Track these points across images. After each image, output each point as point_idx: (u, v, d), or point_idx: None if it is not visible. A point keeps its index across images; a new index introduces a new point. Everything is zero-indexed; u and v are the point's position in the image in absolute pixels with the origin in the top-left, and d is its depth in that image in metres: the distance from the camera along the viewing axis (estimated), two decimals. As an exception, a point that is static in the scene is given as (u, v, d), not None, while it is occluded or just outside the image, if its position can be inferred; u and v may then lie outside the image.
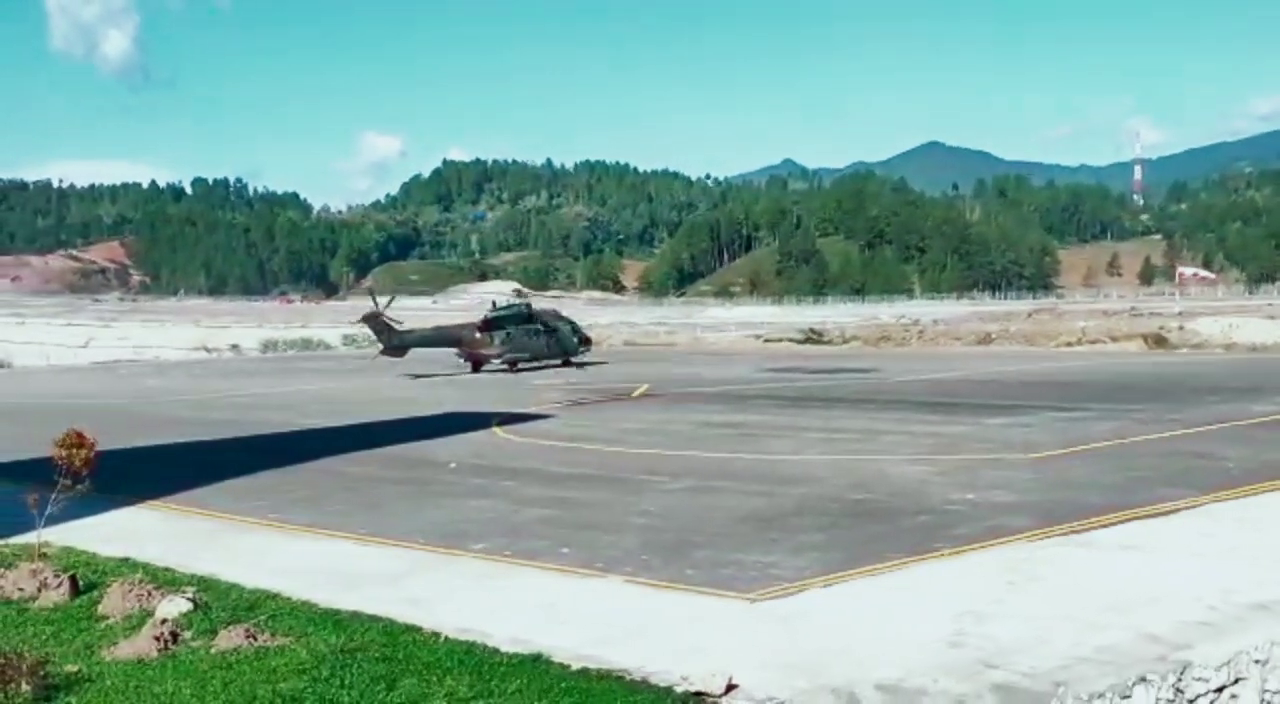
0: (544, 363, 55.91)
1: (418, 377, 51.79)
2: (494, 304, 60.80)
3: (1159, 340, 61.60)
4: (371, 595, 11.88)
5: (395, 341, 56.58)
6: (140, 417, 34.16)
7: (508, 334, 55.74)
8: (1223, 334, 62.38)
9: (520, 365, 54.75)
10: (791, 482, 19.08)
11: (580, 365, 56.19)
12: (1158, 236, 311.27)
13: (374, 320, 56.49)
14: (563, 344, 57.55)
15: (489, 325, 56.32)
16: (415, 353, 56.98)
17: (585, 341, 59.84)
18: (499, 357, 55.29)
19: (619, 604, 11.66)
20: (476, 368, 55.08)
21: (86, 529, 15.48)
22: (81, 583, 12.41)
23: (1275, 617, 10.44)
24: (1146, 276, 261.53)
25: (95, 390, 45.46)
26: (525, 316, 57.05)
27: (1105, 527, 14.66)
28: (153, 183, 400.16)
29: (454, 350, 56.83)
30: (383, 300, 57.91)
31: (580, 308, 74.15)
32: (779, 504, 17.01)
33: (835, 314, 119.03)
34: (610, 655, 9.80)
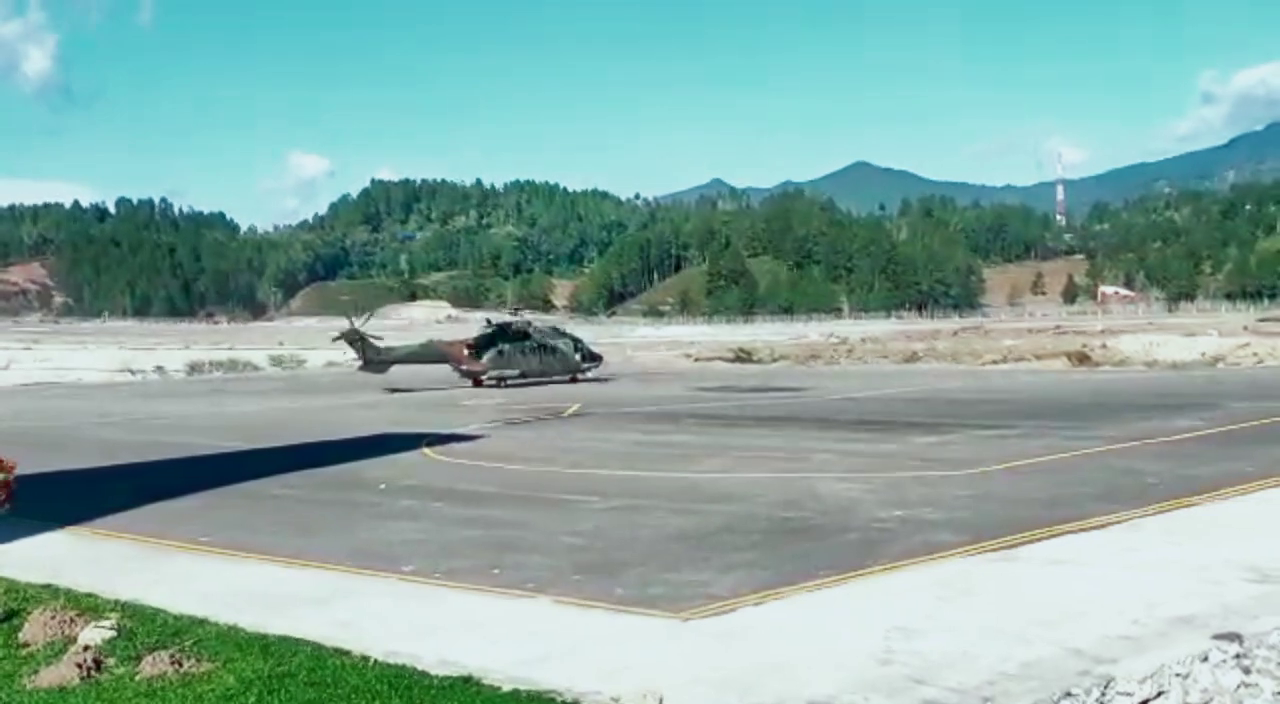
0: (542, 380, 55.58)
1: (395, 391, 51.83)
2: (488, 322, 60.93)
3: (1082, 358, 62.51)
4: (300, 619, 11.73)
5: (377, 357, 56.40)
6: (62, 439, 33.55)
7: (499, 351, 55.58)
8: (1144, 352, 63.49)
9: (509, 382, 54.47)
10: (722, 500, 19.11)
11: (597, 380, 56.48)
12: (1080, 256, 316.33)
13: (352, 337, 56.30)
14: (563, 361, 57.43)
15: (479, 342, 56.24)
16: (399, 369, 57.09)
17: (592, 358, 59.61)
18: (483, 373, 55.15)
19: (549, 625, 11.60)
20: (478, 383, 54.81)
21: (6, 554, 15.18)
22: (2, 610, 12.14)
23: (1197, 630, 10.58)
24: (1070, 295, 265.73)
25: (15, 412, 44.61)
26: (519, 334, 56.90)
27: (1033, 542, 14.81)
28: (75, 203, 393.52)
29: (451, 367, 56.58)
30: (359, 318, 57.96)
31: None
32: (710, 523, 17.02)
33: (764, 333, 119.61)
34: (541, 676, 9.75)
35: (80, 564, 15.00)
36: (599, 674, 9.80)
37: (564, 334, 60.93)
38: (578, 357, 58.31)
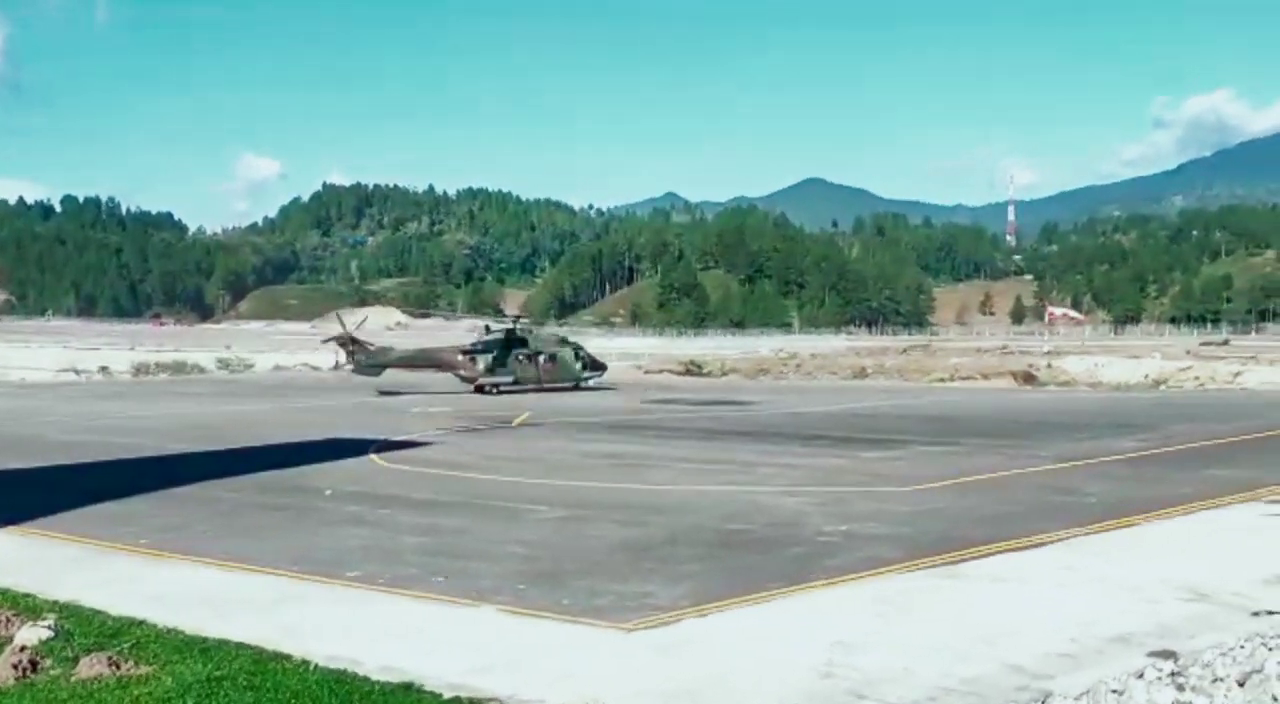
0: (540, 388, 55.50)
1: (385, 394, 52.02)
2: (487, 328, 60.90)
3: (1028, 378, 63.15)
4: (241, 623, 11.67)
5: (370, 362, 56.38)
6: (3, 439, 33.16)
7: (494, 358, 55.54)
8: (1089, 373, 64.23)
9: (503, 390, 54.39)
10: (668, 512, 19.17)
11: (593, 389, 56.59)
12: (1029, 277, 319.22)
13: (345, 340, 56.58)
14: (564, 369, 57.35)
15: (475, 349, 56.15)
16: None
17: (594, 367, 59.41)
18: (475, 379, 55.15)
19: (493, 633, 11.61)
20: (479, 390, 54.68)
21: (-57, 554, 15.01)
22: (-63, 610, 12.00)
23: (1133, 648, 10.75)
24: (1018, 315, 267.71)
25: (-45, 411, 43.96)
26: (516, 341, 56.79)
27: (975, 558, 14.98)
28: (20, 200, 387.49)
29: (451, 373, 56.54)
30: (352, 321, 57.98)
31: (460, 336, 74.02)
32: (656, 534, 17.08)
33: (715, 347, 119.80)
34: (483, 684, 9.76)
35: (20, 565, 14.85)
36: (541, 683, 9.84)
37: (566, 342, 60.84)
38: (578, 365, 58.16)
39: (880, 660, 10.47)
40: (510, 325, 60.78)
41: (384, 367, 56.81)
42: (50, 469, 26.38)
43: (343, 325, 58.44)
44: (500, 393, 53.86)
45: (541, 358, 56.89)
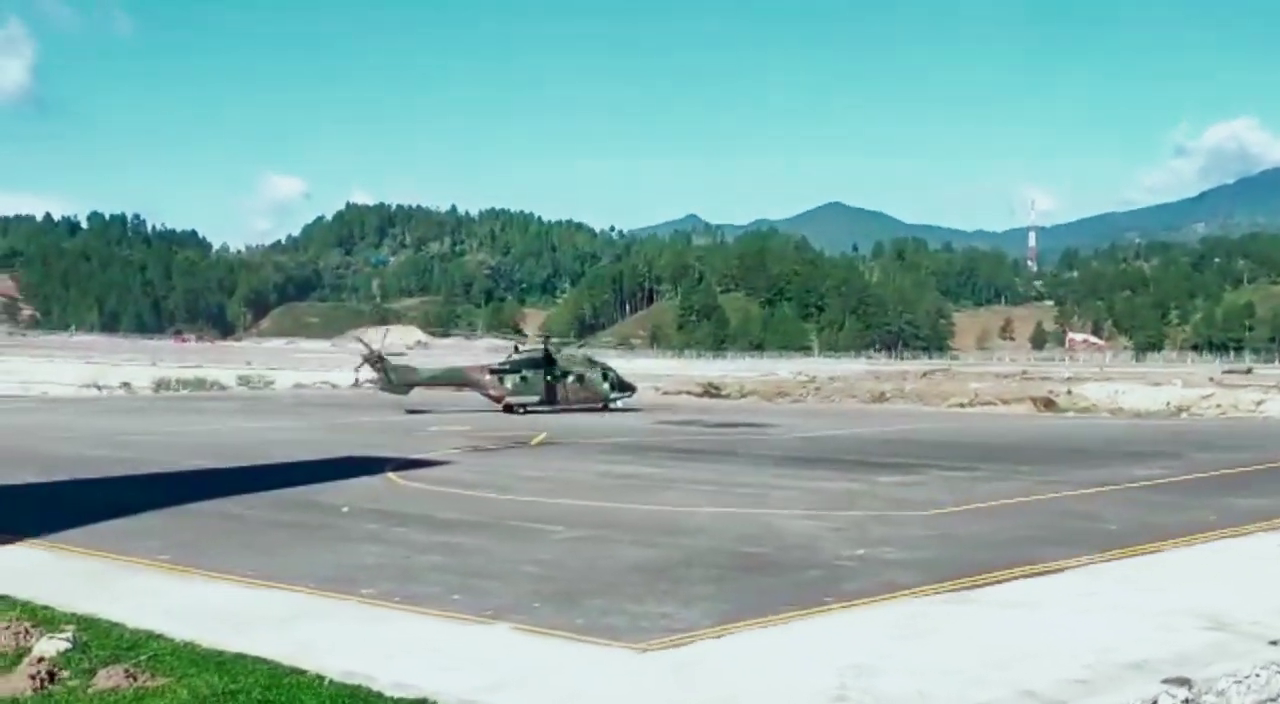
0: (568, 408, 55.51)
1: (413, 412, 52.49)
2: (516, 348, 61.24)
3: (1048, 404, 62.83)
4: (257, 638, 11.69)
5: (399, 380, 56.78)
6: (24, 453, 33.30)
7: (522, 378, 55.69)
8: (1109, 399, 63.89)
9: (530, 409, 54.52)
10: (685, 533, 19.15)
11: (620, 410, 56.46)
12: (1050, 303, 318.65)
13: (374, 359, 57.27)
14: (591, 390, 57.30)
15: (503, 368, 56.37)
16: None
17: (623, 387, 59.32)
18: (500, 399, 55.35)
19: (507, 651, 11.61)
20: (508, 410, 54.79)
21: (-36, 567, 15.08)
22: (-44, 622, 12.08)
23: (1148, 675, 10.68)
24: (1038, 341, 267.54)
25: (-23, 425, 44.22)
26: (544, 361, 56.97)
27: (991, 584, 14.90)
28: (47, 216, 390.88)
29: (480, 393, 56.87)
30: (377, 339, 58.60)
31: (478, 355, 74.55)
32: (671, 555, 17.06)
33: (734, 369, 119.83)
34: (494, 701, 9.79)
35: (39, 578, 14.92)
36: (552, 700, 9.86)
37: (595, 363, 60.78)
38: (607, 386, 58.05)
39: (894, 684, 10.43)
40: (542, 345, 60.99)
41: (413, 385, 57.30)
42: (70, 484, 26.52)
43: (367, 346, 59.05)
44: (527, 412, 53.92)
45: (570, 378, 56.88)
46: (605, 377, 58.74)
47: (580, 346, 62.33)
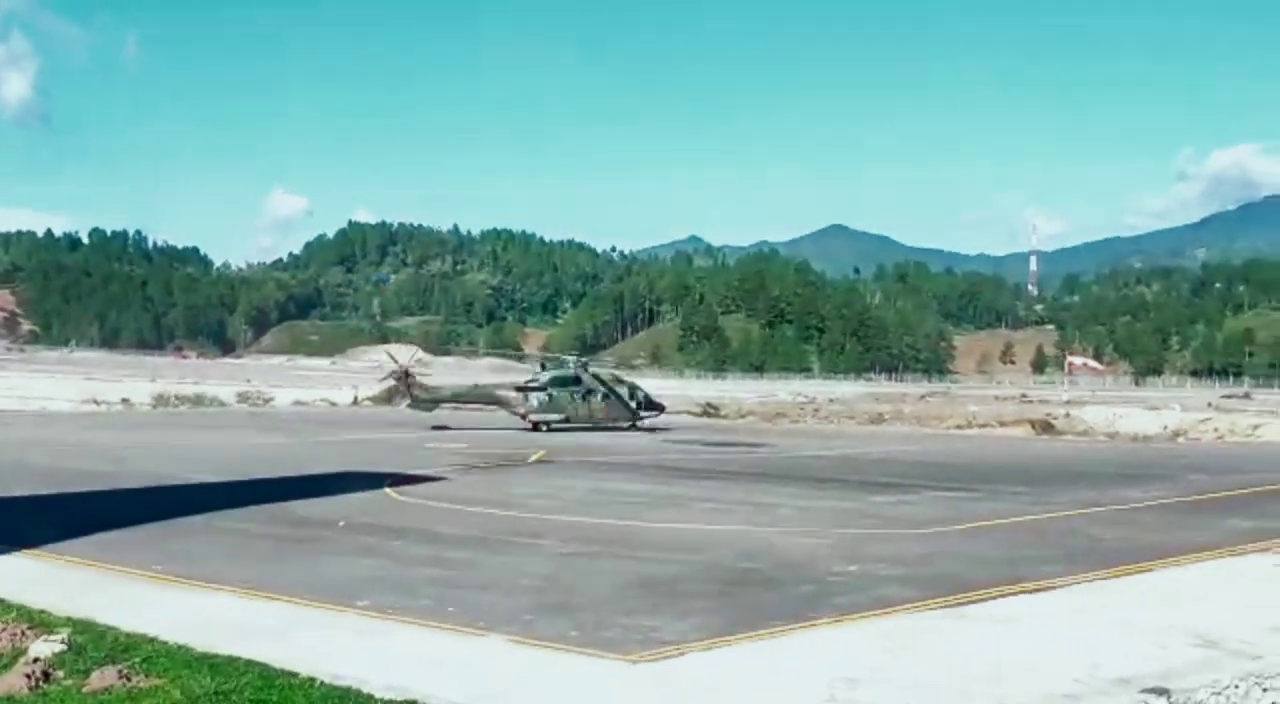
0: (594, 426, 55.58)
1: (438, 428, 52.63)
2: (542, 365, 61.43)
3: (1046, 426, 62.96)
4: (251, 645, 11.75)
5: (425, 397, 57.24)
6: (23, 466, 33.35)
7: (548, 396, 55.70)
8: (1107, 423, 63.99)
9: (554, 427, 54.52)
10: (680, 549, 19.25)
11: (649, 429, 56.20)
12: (1050, 327, 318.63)
13: (399, 375, 58.01)
14: (618, 409, 57.16)
15: (528, 386, 56.55)
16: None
17: (651, 406, 58.98)
18: (525, 416, 55.43)
19: (500, 661, 11.69)
20: (535, 427, 54.83)
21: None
22: (-46, 624, 12.16)
23: (1136, 689, 10.77)
24: (1039, 365, 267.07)
25: (-23, 438, 44.25)
26: (569, 379, 57.11)
27: (983, 600, 14.99)
28: (48, 231, 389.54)
29: (506, 410, 56.97)
30: (405, 356, 59.20)
31: (478, 374, 74.83)
32: (666, 571, 17.15)
33: (734, 390, 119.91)
34: (486, 709, 9.86)
35: (36, 585, 14.98)
36: (544, 710, 9.92)
37: (622, 381, 60.55)
38: (633, 404, 57.88)
39: (881, 696, 10.52)
40: (570, 362, 61.15)
41: (439, 402, 57.47)
42: (68, 496, 26.57)
43: (396, 363, 59.69)
44: (553, 430, 53.93)
45: (596, 396, 56.88)
46: (633, 395, 58.56)
47: (584, 363, 61.90)
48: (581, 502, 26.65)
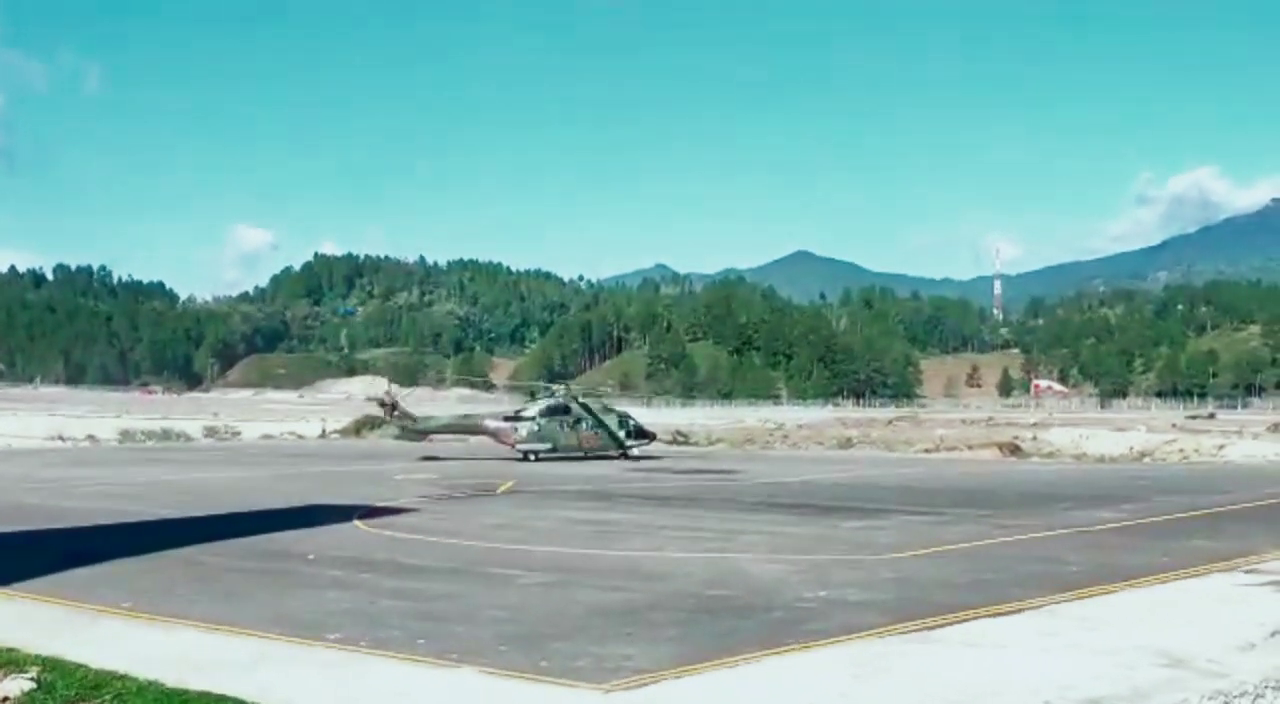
0: (584, 456, 55.54)
1: (429, 459, 52.96)
2: (532, 395, 61.48)
3: (1013, 449, 63.39)
4: (222, 681, 11.72)
5: (415, 427, 57.58)
6: (-13, 504, 33.08)
7: (538, 426, 55.71)
8: (1074, 445, 64.49)
9: (542, 457, 54.47)
10: (650, 578, 19.26)
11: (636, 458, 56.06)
12: (1016, 350, 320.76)
13: (387, 404, 58.85)
14: (607, 438, 57.01)
15: (517, 416, 56.53)
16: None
17: (641, 435, 58.87)
18: (514, 445, 55.53)
19: (472, 693, 11.69)
20: (525, 457, 54.80)
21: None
22: (-80, 665, 12.07)
23: (1103, 709, 10.86)
24: (1005, 388, 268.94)
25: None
26: (560, 409, 57.05)
27: (952, 624, 15.06)
28: (11, 268, 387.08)
29: (494, 440, 57.24)
30: (398, 390, 59.73)
31: (450, 404, 74.65)
32: (637, 599, 17.16)
33: (703, 417, 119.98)
34: (460, 742, 9.85)
35: (3, 623, 14.87)
36: (517, 741, 9.91)
37: (611, 410, 60.26)
38: (623, 433, 57.67)
39: (854, 721, 10.57)
40: (560, 393, 61.20)
41: (427, 433, 57.56)
42: (34, 533, 26.34)
43: (386, 395, 60.84)
44: (540, 460, 53.89)
45: (585, 425, 56.86)
46: (623, 424, 58.39)
47: (574, 394, 61.88)
48: (551, 531, 26.62)
